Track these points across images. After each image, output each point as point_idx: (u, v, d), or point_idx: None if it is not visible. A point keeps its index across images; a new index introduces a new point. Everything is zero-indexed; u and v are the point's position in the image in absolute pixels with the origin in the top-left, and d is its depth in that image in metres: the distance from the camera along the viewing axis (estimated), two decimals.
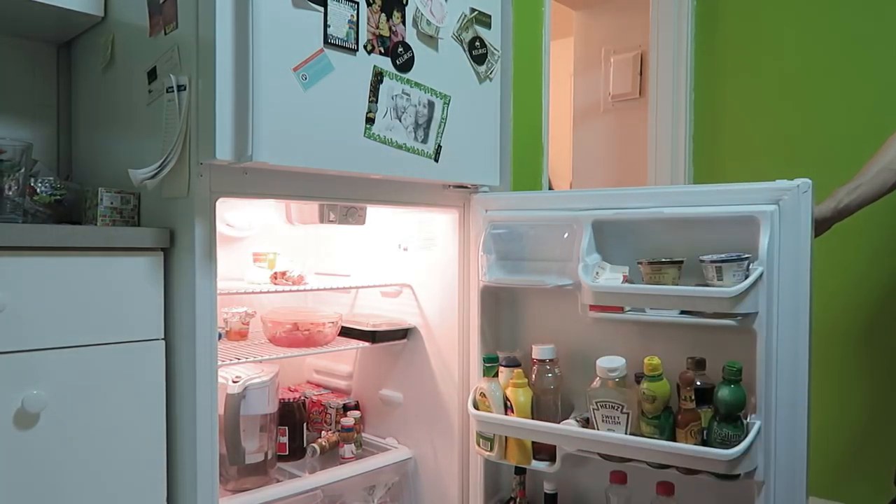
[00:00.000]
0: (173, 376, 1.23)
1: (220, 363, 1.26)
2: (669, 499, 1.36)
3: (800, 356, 1.23)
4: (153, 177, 1.18)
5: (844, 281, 2.15)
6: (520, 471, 1.58)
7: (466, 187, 1.59)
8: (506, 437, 1.50)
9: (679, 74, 2.55)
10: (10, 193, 1.21)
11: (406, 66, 1.38)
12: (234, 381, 1.47)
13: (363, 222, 1.67)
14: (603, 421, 1.34)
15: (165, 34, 1.24)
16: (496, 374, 1.50)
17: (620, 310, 1.41)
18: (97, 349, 1.15)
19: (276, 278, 1.59)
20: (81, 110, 1.59)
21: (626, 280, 1.38)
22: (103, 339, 1.15)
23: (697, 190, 1.35)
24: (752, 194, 1.27)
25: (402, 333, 1.75)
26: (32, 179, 1.35)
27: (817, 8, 2.25)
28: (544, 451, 1.50)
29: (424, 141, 1.43)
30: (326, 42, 1.24)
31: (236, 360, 1.45)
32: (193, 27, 1.16)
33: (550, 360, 1.46)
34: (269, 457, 1.54)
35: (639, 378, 1.34)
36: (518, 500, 1.59)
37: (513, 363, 1.49)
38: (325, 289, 1.78)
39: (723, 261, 1.24)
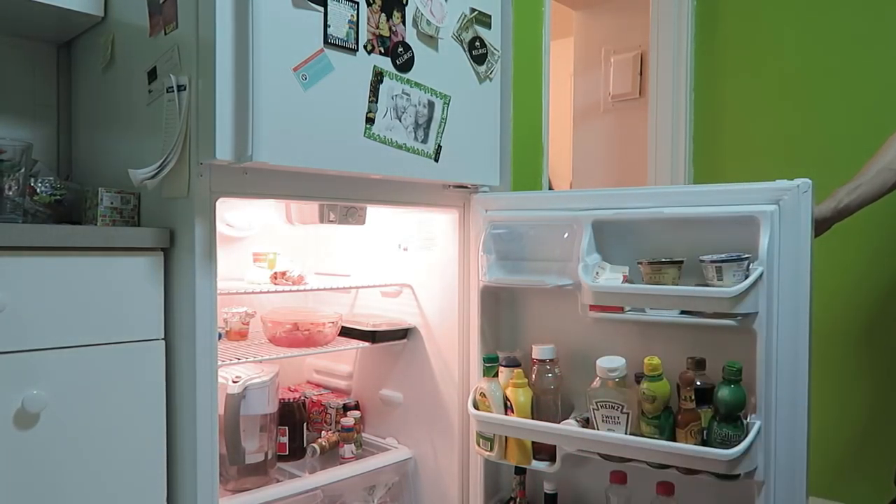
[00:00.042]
0: (173, 376, 1.23)
1: (220, 363, 1.26)
2: (669, 499, 1.36)
3: (800, 356, 1.23)
4: (153, 177, 1.18)
5: (844, 281, 2.15)
6: (520, 471, 1.58)
7: (466, 187, 1.59)
8: (506, 437, 1.50)
9: (679, 74, 2.55)
10: (10, 193, 1.21)
11: (406, 66, 1.38)
12: (234, 381, 1.47)
13: (363, 222, 1.67)
14: (603, 421, 1.34)
15: (165, 34, 1.24)
16: (496, 374, 1.50)
17: (620, 310, 1.41)
18: (97, 349, 1.15)
19: (276, 278, 1.59)
20: (81, 110, 1.59)
21: (626, 280, 1.38)
22: (103, 339, 1.15)
23: (697, 190, 1.35)
24: (752, 194, 1.27)
25: (402, 333, 1.75)
26: (32, 179, 1.35)
27: (817, 8, 2.25)
28: (544, 451, 1.50)
29: (424, 141, 1.43)
30: (326, 42, 1.24)
31: (236, 360, 1.45)
32: (193, 27, 1.16)
33: (550, 360, 1.46)
34: (269, 457, 1.54)
35: (639, 378, 1.34)
36: (518, 500, 1.59)
37: (513, 363, 1.49)
38: (325, 289, 1.78)
39: (723, 261, 1.24)
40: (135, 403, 1.19)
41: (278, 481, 1.53)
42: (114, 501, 1.17)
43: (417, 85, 1.40)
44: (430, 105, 1.43)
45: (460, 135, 1.50)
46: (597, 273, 1.39)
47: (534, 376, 1.47)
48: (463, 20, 1.49)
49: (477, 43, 1.52)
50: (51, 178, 1.39)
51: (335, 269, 1.91)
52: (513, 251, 1.55)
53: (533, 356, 1.48)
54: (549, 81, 2.27)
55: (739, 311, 1.23)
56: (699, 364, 1.33)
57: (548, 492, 1.54)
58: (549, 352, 1.46)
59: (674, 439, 1.28)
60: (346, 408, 1.80)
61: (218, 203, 1.21)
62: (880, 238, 2.09)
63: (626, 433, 1.32)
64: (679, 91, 2.55)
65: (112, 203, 1.27)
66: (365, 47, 1.30)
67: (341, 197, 1.42)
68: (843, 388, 2.15)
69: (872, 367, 2.11)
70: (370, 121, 1.32)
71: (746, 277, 1.22)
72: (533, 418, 1.44)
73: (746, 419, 1.26)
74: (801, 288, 1.23)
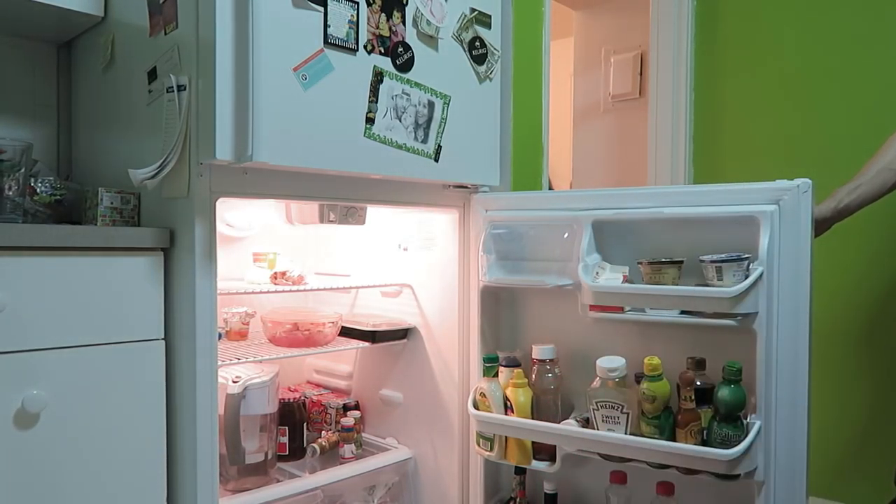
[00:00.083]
0: (173, 376, 1.23)
1: (220, 363, 1.26)
2: (669, 499, 1.36)
3: (800, 356, 1.23)
4: (153, 177, 1.18)
5: (844, 281, 2.15)
6: (520, 471, 1.58)
7: (466, 187, 1.59)
8: (506, 437, 1.50)
9: (679, 74, 2.55)
10: (10, 193, 1.21)
11: (406, 66, 1.38)
12: (234, 381, 1.47)
13: (363, 222, 1.67)
14: (603, 421, 1.34)
15: (165, 34, 1.24)
16: (496, 374, 1.50)
17: (620, 310, 1.41)
18: (97, 349, 1.15)
19: (276, 278, 1.59)
20: (81, 110, 1.59)
21: (626, 280, 1.38)
22: (103, 339, 1.15)
23: (697, 190, 1.35)
24: (752, 194, 1.27)
25: (402, 333, 1.75)
26: (32, 179, 1.35)
27: (817, 8, 2.25)
28: (544, 451, 1.50)
29: (424, 141, 1.43)
30: (326, 42, 1.24)
31: (236, 360, 1.45)
32: (193, 27, 1.16)
33: (550, 360, 1.46)
34: (269, 457, 1.54)
35: (639, 378, 1.34)
36: (518, 500, 1.59)
37: (513, 363, 1.49)
38: (325, 289, 1.78)
39: (723, 261, 1.24)
40: (135, 403, 1.19)
41: (278, 481, 1.53)
42: (114, 501, 1.17)
43: (417, 85, 1.40)
44: (430, 105, 1.43)
45: (460, 135, 1.50)
46: (597, 273, 1.39)
47: (534, 376, 1.47)
48: (463, 20, 1.49)
49: (477, 43, 1.52)
50: (51, 178, 1.39)
51: (335, 269, 1.91)
52: (513, 251, 1.55)
53: (533, 356, 1.48)
54: (549, 81, 2.27)
55: (739, 311, 1.23)
56: (699, 364, 1.33)
57: (548, 492, 1.54)
58: (549, 352, 1.46)
59: (674, 439, 1.28)
60: (346, 408, 1.80)
61: (218, 203, 1.21)
62: (880, 238, 2.09)
63: (626, 433, 1.32)
64: (679, 91, 2.55)
65: (112, 203, 1.27)
66: (365, 47, 1.30)
67: (341, 197, 1.42)
68: (843, 388, 2.15)
69: (872, 367, 2.11)
70: (370, 121, 1.32)
71: (746, 277, 1.22)
72: (533, 418, 1.44)
73: (746, 419, 1.26)
74: (801, 288, 1.23)
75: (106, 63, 1.44)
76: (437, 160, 1.46)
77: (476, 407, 1.51)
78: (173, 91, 1.17)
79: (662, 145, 2.58)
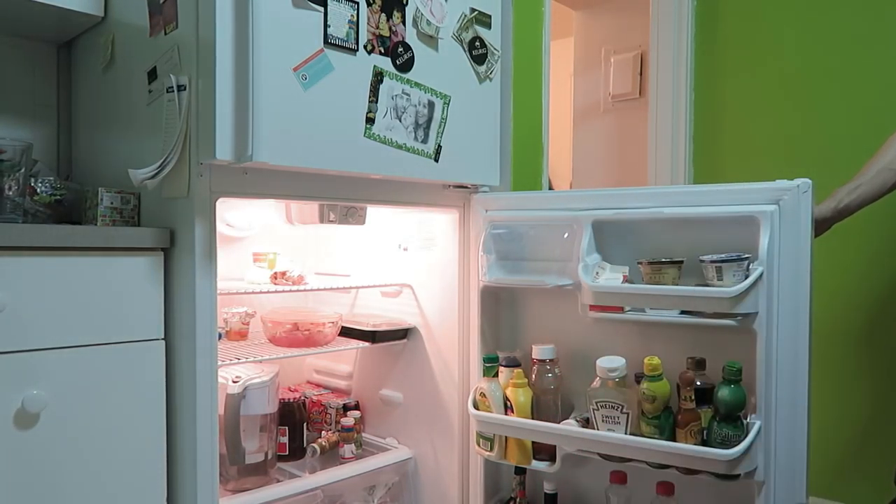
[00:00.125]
0: (173, 376, 1.23)
1: (220, 363, 1.26)
2: (669, 499, 1.36)
3: (800, 356, 1.23)
4: (153, 177, 1.18)
5: (844, 281, 2.15)
6: (520, 471, 1.58)
7: (466, 187, 1.59)
8: (506, 437, 1.50)
9: (679, 74, 2.55)
10: (10, 193, 1.21)
11: (406, 66, 1.38)
12: (234, 381, 1.47)
13: (363, 222, 1.67)
14: (603, 421, 1.34)
15: (165, 34, 1.24)
16: (496, 374, 1.50)
17: (620, 310, 1.41)
18: (97, 349, 1.15)
19: (276, 278, 1.59)
20: (81, 110, 1.59)
21: (626, 280, 1.38)
22: (103, 339, 1.15)
23: (697, 190, 1.35)
24: (752, 194, 1.27)
25: (402, 333, 1.75)
26: (32, 179, 1.35)
27: (817, 8, 2.25)
28: (544, 451, 1.50)
29: (424, 141, 1.43)
30: (326, 42, 1.24)
31: (236, 360, 1.45)
32: (193, 27, 1.16)
33: (550, 360, 1.46)
34: (269, 457, 1.54)
35: (639, 378, 1.34)
36: (518, 500, 1.59)
37: (513, 363, 1.49)
38: (325, 289, 1.78)
39: (723, 261, 1.24)
40: (135, 403, 1.19)
41: (278, 481, 1.53)
42: (114, 501, 1.17)
43: (417, 85, 1.40)
44: (430, 105, 1.43)
45: (460, 135, 1.50)
46: (597, 273, 1.39)
47: (534, 376, 1.47)
48: (463, 20, 1.49)
49: (477, 43, 1.52)
50: (51, 178, 1.39)
51: (335, 269, 1.91)
52: (513, 251, 1.55)
53: (533, 356, 1.48)
54: (549, 81, 2.27)
55: (739, 311, 1.23)
56: (699, 364, 1.33)
57: (548, 492, 1.54)
58: (549, 352, 1.46)
59: (674, 439, 1.28)
60: (346, 408, 1.80)
61: (218, 203, 1.21)
62: (880, 238, 2.09)
63: (626, 433, 1.32)
64: (679, 91, 2.55)
65: (112, 203, 1.27)
66: (365, 47, 1.30)
67: (341, 197, 1.42)
68: (843, 388, 2.15)
69: (872, 367, 2.11)
70: (370, 121, 1.32)
71: (746, 277, 1.22)
72: (533, 418, 1.44)
73: (746, 419, 1.26)
74: (801, 288, 1.23)
75: (106, 63, 1.44)
76: (437, 160, 1.46)
77: (476, 407, 1.51)
78: (173, 91, 1.17)
79: (662, 145, 2.58)
